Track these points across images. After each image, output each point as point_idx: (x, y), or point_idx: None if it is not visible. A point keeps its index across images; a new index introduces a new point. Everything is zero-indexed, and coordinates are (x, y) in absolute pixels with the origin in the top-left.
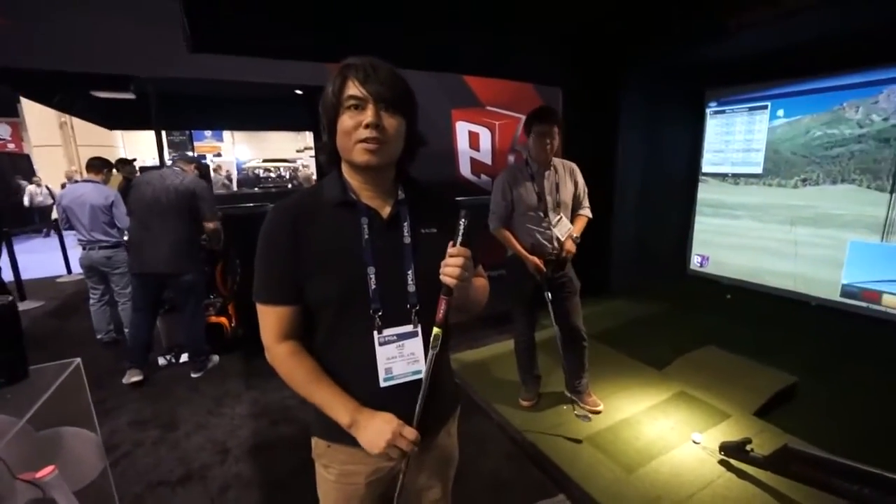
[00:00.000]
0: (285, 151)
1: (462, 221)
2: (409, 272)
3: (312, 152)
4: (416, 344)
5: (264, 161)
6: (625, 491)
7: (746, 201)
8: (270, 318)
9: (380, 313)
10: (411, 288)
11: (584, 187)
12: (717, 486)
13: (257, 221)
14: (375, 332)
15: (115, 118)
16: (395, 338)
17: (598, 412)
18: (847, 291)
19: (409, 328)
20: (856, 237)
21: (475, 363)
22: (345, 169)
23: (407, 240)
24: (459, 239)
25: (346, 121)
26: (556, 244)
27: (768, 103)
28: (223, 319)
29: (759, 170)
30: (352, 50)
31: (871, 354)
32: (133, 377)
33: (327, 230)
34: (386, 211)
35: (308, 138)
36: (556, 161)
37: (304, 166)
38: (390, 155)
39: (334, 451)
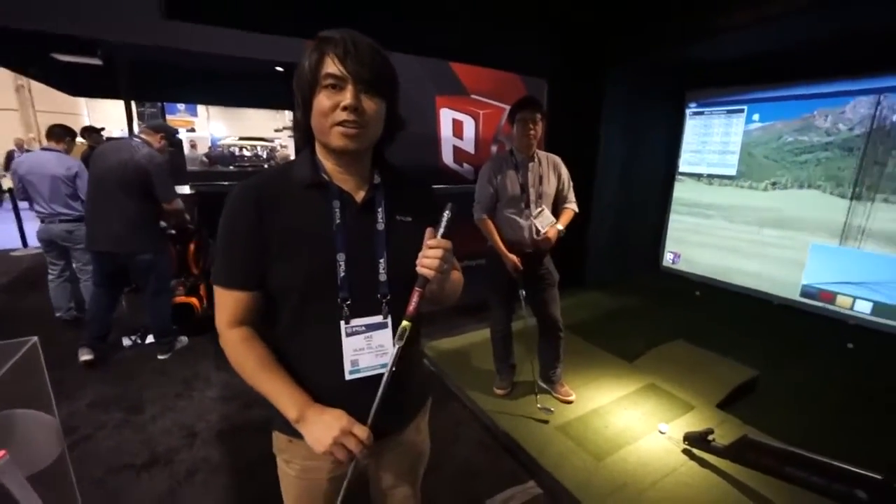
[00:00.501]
0: (263, 130)
1: (446, 214)
2: (382, 260)
3: (291, 132)
4: (385, 336)
5: (241, 139)
6: (593, 478)
7: (719, 202)
8: (227, 302)
9: (348, 302)
10: (382, 277)
11: (568, 180)
12: (679, 473)
13: None
14: (342, 322)
15: (80, 84)
16: (363, 328)
17: (569, 402)
18: (806, 292)
19: (378, 319)
20: (816, 240)
21: (451, 351)
22: (318, 149)
23: (381, 226)
24: (441, 231)
25: (322, 100)
26: (535, 235)
27: (745, 107)
28: (194, 300)
29: (733, 172)
30: (337, 27)
31: (825, 352)
32: (84, 356)
33: (295, 212)
34: (360, 195)
35: (287, 117)
36: (541, 154)
37: (282, 146)
38: (369, 139)
39: (296, 447)
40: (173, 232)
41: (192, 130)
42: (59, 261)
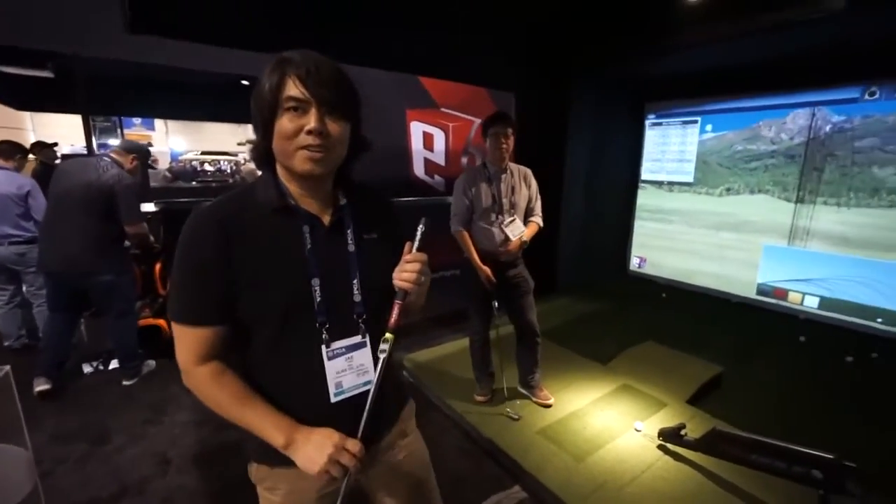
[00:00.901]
0: (225, 144)
1: (420, 227)
2: (355, 281)
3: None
4: (365, 355)
5: (203, 153)
6: (574, 478)
7: (679, 207)
8: (189, 340)
9: (326, 326)
10: (357, 297)
11: (537, 193)
12: (656, 468)
13: None
14: (324, 347)
15: (27, 97)
16: (343, 350)
17: (549, 405)
18: (761, 290)
19: (357, 339)
20: (768, 242)
21: (429, 362)
22: (281, 172)
23: (351, 248)
24: (416, 245)
25: (285, 124)
26: (507, 243)
27: (699, 118)
28: (161, 321)
29: (690, 179)
30: (304, 44)
31: (780, 345)
32: (39, 386)
33: (264, 238)
34: (327, 217)
35: (250, 131)
36: (513, 166)
37: (246, 160)
38: (334, 162)
39: (278, 474)
40: (138, 251)
41: (150, 145)
42: (9, 285)
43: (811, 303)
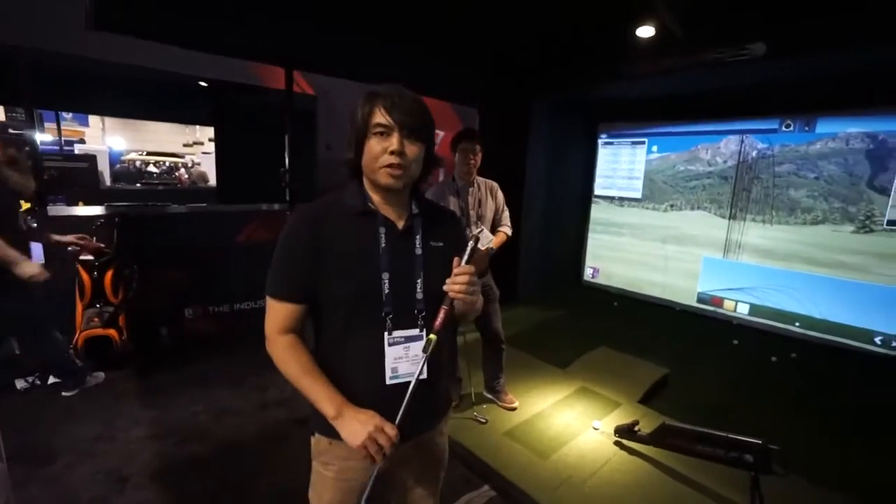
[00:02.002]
0: (170, 144)
1: (471, 243)
2: (419, 280)
3: (204, 148)
4: (420, 347)
5: (148, 154)
6: (541, 474)
7: (629, 221)
8: (279, 312)
9: (390, 316)
10: (419, 295)
11: (503, 205)
12: (613, 462)
13: (155, 223)
14: (386, 333)
15: None
16: (402, 339)
17: (514, 408)
18: (701, 298)
19: (415, 332)
20: (707, 253)
21: None
22: (366, 183)
23: (418, 251)
24: (466, 258)
25: (373, 146)
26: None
27: (646, 139)
28: (112, 331)
29: (638, 195)
30: (273, 51)
31: (718, 348)
32: None
33: (348, 235)
34: (401, 223)
35: (198, 132)
36: (480, 180)
37: (195, 163)
38: (410, 178)
39: (335, 448)
40: (90, 258)
41: (82, 142)
42: None
43: (743, 309)
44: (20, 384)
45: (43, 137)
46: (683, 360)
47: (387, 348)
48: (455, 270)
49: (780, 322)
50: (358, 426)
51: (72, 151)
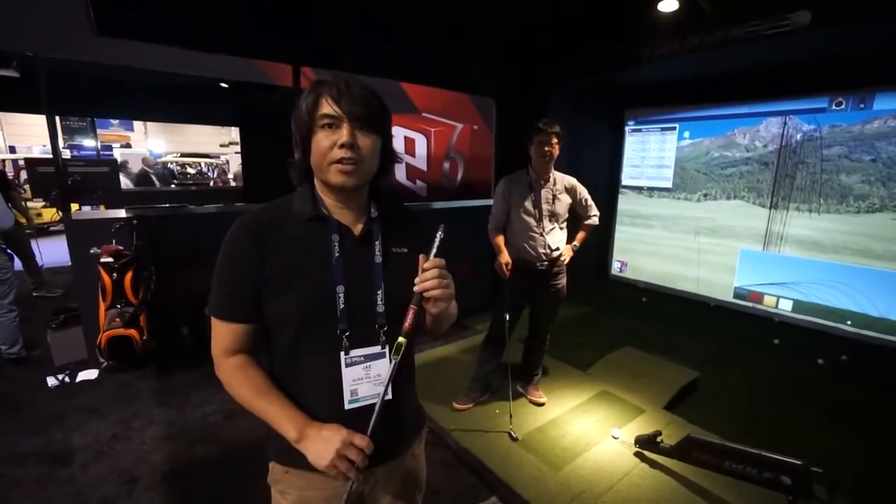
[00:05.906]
0: (207, 146)
1: (439, 234)
2: (379, 292)
3: (238, 148)
4: (383, 365)
5: (182, 155)
6: (552, 488)
7: (659, 212)
8: (223, 333)
9: (347, 333)
10: (380, 308)
11: (585, 198)
12: (632, 476)
13: (175, 223)
14: (342, 353)
15: None
16: (362, 359)
17: (541, 404)
18: (738, 293)
19: (376, 349)
20: (744, 246)
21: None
22: (318, 185)
23: (378, 259)
24: (433, 252)
25: (320, 140)
26: (547, 251)
27: (677, 125)
28: (132, 332)
29: (669, 184)
30: (279, 49)
31: (756, 349)
32: None
33: (295, 245)
34: (358, 228)
35: (234, 133)
36: (558, 175)
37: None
38: (365, 175)
39: (292, 477)
40: (110, 260)
41: (128, 146)
42: None
43: (785, 306)
44: (51, 381)
45: (85, 143)
46: (716, 362)
47: (344, 369)
48: (423, 265)
49: (830, 320)
50: (322, 445)
51: (110, 155)
